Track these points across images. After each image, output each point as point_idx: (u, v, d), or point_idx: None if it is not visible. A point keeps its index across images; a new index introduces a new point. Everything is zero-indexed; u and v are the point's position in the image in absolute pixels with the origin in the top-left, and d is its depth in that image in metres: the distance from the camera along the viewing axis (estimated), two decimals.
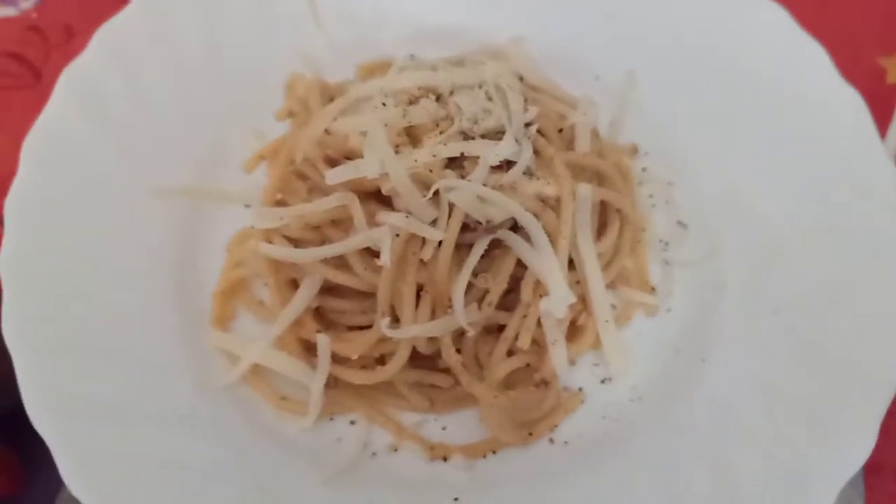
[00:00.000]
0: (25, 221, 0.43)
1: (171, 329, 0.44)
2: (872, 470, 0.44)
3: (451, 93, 0.44)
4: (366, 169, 0.40)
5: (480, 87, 0.44)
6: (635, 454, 0.41)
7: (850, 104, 0.47)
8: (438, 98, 0.44)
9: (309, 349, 0.44)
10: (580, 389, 0.44)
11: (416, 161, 0.40)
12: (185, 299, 0.46)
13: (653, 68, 0.52)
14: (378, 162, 0.40)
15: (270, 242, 0.44)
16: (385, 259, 0.39)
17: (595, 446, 0.42)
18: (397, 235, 0.40)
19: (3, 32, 0.60)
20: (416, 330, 0.40)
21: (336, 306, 0.44)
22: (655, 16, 0.53)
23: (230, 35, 0.53)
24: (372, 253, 0.41)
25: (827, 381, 0.40)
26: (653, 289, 0.47)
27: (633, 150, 0.52)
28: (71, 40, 0.59)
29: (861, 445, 0.37)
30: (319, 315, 0.44)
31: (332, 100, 0.46)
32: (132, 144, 0.48)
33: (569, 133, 0.47)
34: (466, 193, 0.40)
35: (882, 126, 0.51)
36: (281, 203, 0.45)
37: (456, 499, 0.40)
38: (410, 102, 0.43)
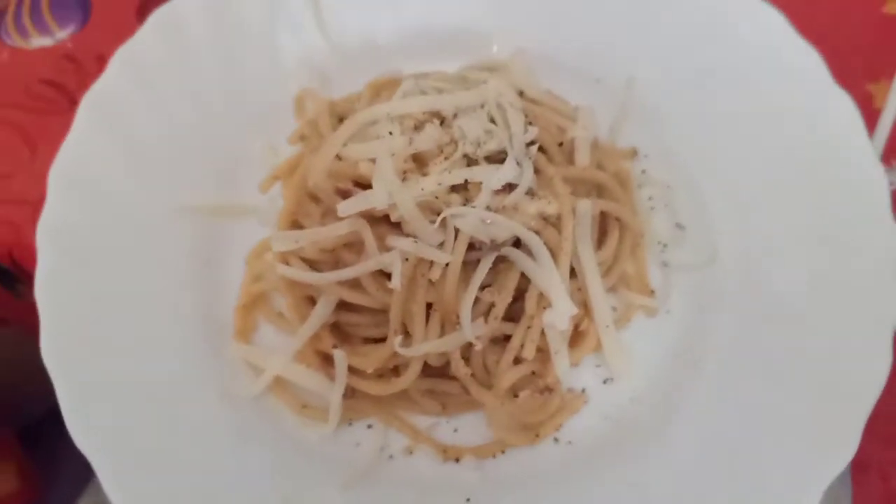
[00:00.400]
0: (57, 246, 0.45)
1: (196, 342, 0.47)
2: (859, 468, 0.46)
3: (455, 115, 0.46)
4: (375, 200, 0.42)
5: (483, 106, 0.46)
6: (636, 452, 0.44)
7: (844, 110, 0.48)
8: (442, 122, 0.46)
9: (327, 360, 0.47)
10: (583, 390, 0.47)
11: (422, 189, 0.42)
12: (208, 311, 0.49)
13: (653, 72, 0.54)
14: (386, 193, 0.42)
15: (287, 263, 0.46)
16: (396, 283, 0.42)
17: (598, 445, 0.45)
18: (407, 259, 0.43)
19: (39, 61, 0.63)
20: (427, 347, 0.43)
21: (351, 320, 0.47)
22: (656, 21, 0.54)
23: (242, 51, 0.55)
24: (384, 274, 0.44)
25: (816, 383, 0.42)
26: (652, 291, 0.50)
27: (633, 154, 0.54)
28: (103, 69, 0.62)
29: (846, 445, 0.40)
30: (336, 328, 0.47)
31: (341, 120, 0.49)
32: (152, 163, 0.50)
33: (569, 146, 0.49)
34: (471, 219, 0.42)
35: None
36: (296, 225, 0.48)
37: (468, 499, 0.43)
38: (416, 127, 0.45)
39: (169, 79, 0.52)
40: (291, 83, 0.55)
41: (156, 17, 0.53)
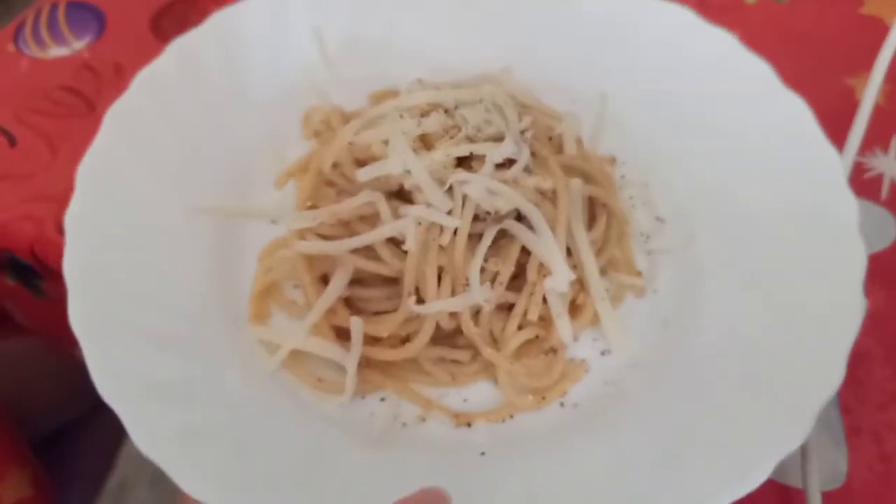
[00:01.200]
0: (84, 236, 0.48)
1: (217, 328, 0.49)
2: (852, 433, 0.48)
3: (456, 107, 0.51)
4: (391, 167, 0.46)
5: (480, 102, 0.51)
6: (635, 412, 0.46)
7: (794, 111, 0.54)
8: (446, 112, 0.50)
9: (340, 335, 0.49)
10: (583, 360, 0.50)
11: (432, 160, 0.47)
12: (225, 301, 0.51)
13: (624, 90, 0.60)
14: (401, 161, 0.46)
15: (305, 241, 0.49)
16: (410, 244, 0.46)
17: (600, 407, 0.47)
18: (419, 224, 0.46)
19: (58, 69, 0.66)
20: (439, 306, 0.46)
21: (364, 295, 0.50)
22: (624, 47, 0.61)
23: (251, 75, 0.59)
24: (396, 243, 0.47)
25: (793, 338, 0.46)
26: (640, 273, 0.53)
27: (612, 160, 0.59)
28: (120, 76, 0.65)
29: (832, 375, 0.43)
30: (349, 304, 0.50)
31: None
32: (169, 171, 0.54)
33: (557, 140, 0.55)
34: (477, 186, 0.46)
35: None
36: (312, 208, 0.51)
37: (483, 453, 0.45)
38: (422, 115, 0.50)
39: (184, 98, 0.56)
40: (297, 104, 0.59)
41: (173, 46, 0.58)
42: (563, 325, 0.48)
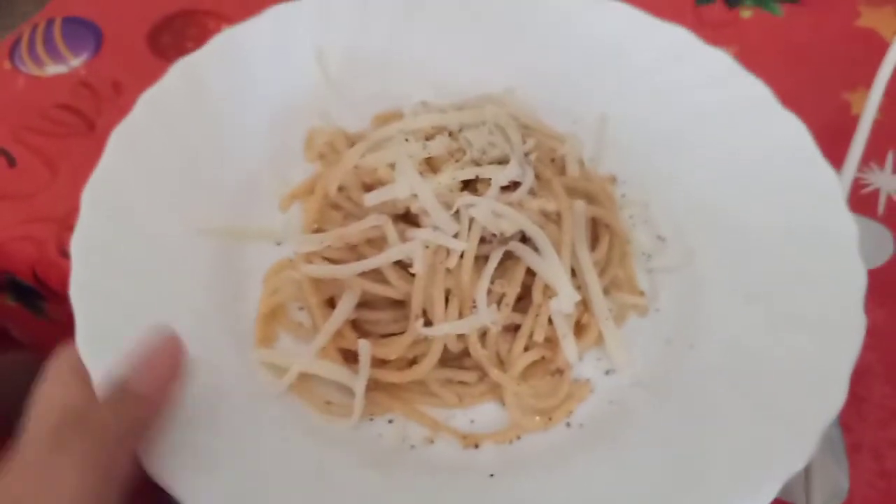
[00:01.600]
0: (90, 259, 0.48)
1: (222, 350, 0.49)
2: (853, 450, 0.49)
3: (461, 130, 0.51)
4: (398, 191, 0.47)
5: (484, 124, 0.51)
6: (640, 432, 0.46)
7: (790, 129, 0.55)
8: (450, 135, 0.51)
9: (348, 358, 0.49)
10: (588, 380, 0.50)
11: (439, 184, 0.47)
12: (230, 323, 0.51)
13: (623, 111, 0.61)
14: (408, 185, 0.47)
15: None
16: (418, 267, 0.46)
17: (605, 427, 0.48)
18: (426, 248, 0.47)
19: (56, 87, 0.66)
20: (447, 328, 0.46)
21: (371, 317, 0.50)
22: (623, 68, 0.62)
23: (255, 95, 0.60)
24: (403, 266, 0.48)
25: (793, 349, 0.46)
26: (642, 293, 0.54)
27: (612, 180, 0.60)
28: (120, 94, 0.65)
29: (836, 393, 0.43)
30: (356, 326, 0.50)
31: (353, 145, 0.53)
32: (174, 191, 0.54)
33: (560, 162, 0.55)
34: (484, 208, 0.47)
35: (845, 153, 0.58)
36: (319, 231, 0.51)
37: (491, 475, 0.45)
38: (427, 139, 0.50)
39: (188, 119, 0.57)
40: (301, 124, 0.60)
41: (177, 67, 0.58)
42: (568, 346, 0.49)
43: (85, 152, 0.53)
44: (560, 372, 0.50)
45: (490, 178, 0.48)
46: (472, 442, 0.48)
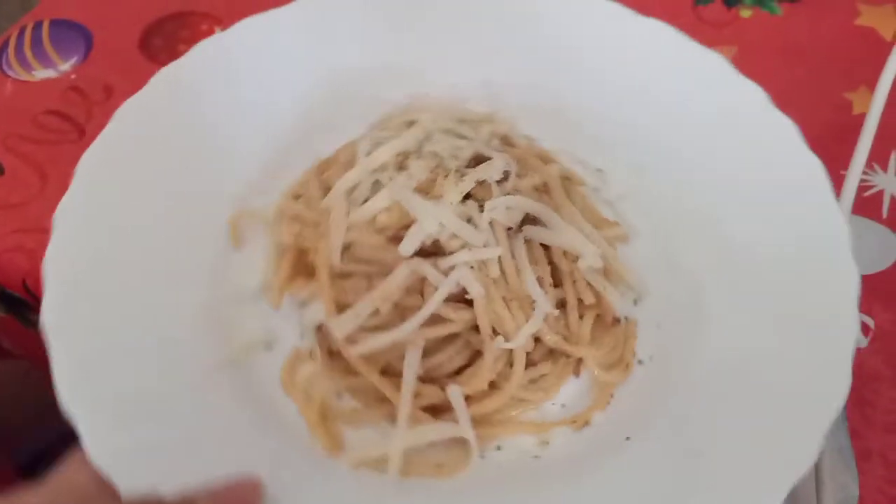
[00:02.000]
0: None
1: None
2: (862, 456, 0.48)
3: (420, 147, 0.50)
4: (428, 227, 0.45)
5: (427, 134, 0.50)
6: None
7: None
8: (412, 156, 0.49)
9: (432, 411, 0.47)
10: (626, 317, 0.52)
11: (451, 203, 0.46)
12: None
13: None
14: (433, 218, 0.45)
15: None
16: (477, 290, 0.45)
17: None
18: (472, 267, 0.45)
19: (45, 92, 0.65)
20: (526, 331, 0.46)
21: (433, 362, 0.47)
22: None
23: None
24: (453, 298, 0.46)
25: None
26: (614, 222, 0.55)
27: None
28: (110, 98, 0.64)
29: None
30: (423, 380, 0.47)
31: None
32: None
33: (507, 140, 0.54)
34: (500, 207, 0.47)
35: (847, 153, 0.57)
36: (342, 307, 0.47)
37: (628, 438, 0.46)
38: (400, 169, 0.48)
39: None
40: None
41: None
42: (612, 295, 0.50)
43: (75, 160, 0.50)
44: (616, 321, 0.51)
45: (485, 179, 0.48)
46: (582, 421, 0.48)
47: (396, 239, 0.46)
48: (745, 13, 0.72)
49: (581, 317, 0.50)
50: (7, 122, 0.62)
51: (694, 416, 0.46)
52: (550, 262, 0.50)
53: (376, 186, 0.47)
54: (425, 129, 0.50)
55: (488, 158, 0.49)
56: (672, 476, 0.43)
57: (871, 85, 0.62)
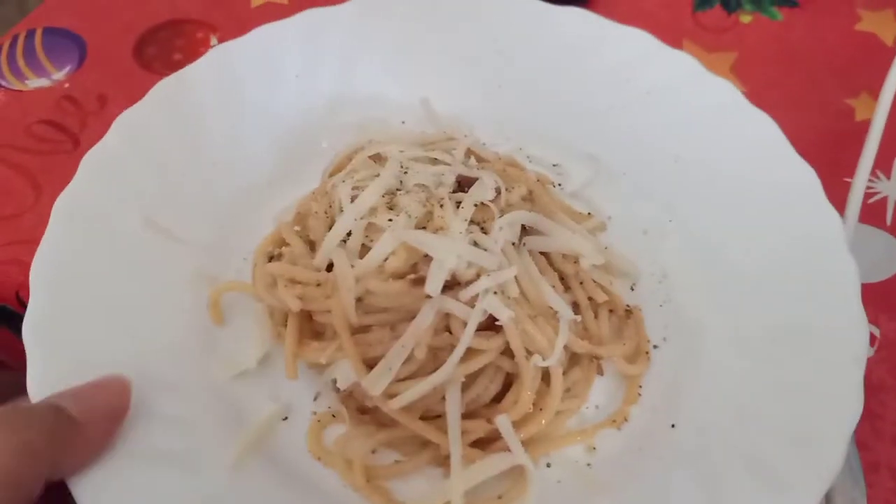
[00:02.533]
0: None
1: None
2: (870, 469, 0.48)
3: (400, 183, 0.48)
4: (448, 262, 0.43)
5: (402, 167, 0.48)
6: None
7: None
8: (399, 191, 0.47)
9: (481, 444, 0.46)
10: (630, 305, 0.52)
11: (460, 233, 0.45)
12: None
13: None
14: (448, 252, 0.44)
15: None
16: (508, 314, 0.44)
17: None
18: (494, 293, 0.44)
19: (38, 102, 0.64)
20: (559, 344, 0.45)
21: (472, 395, 0.46)
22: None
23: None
24: (480, 327, 0.44)
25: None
26: (588, 214, 0.56)
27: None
28: (105, 107, 0.63)
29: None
30: (465, 416, 0.46)
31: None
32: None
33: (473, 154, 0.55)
34: (507, 227, 0.46)
35: (849, 160, 0.56)
36: (370, 362, 0.45)
37: (672, 425, 0.46)
38: (390, 208, 0.46)
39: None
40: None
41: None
42: (618, 289, 0.51)
43: (70, 171, 0.49)
44: (629, 312, 0.52)
45: (481, 201, 0.47)
46: (622, 417, 0.48)
47: (410, 281, 0.44)
48: (746, 18, 0.71)
49: (595, 315, 0.50)
50: (0, 132, 0.61)
51: (727, 388, 0.46)
52: (553, 268, 0.50)
53: (370, 231, 0.46)
54: (399, 162, 0.49)
55: (471, 178, 0.48)
56: (684, 494, 0.42)
57: (873, 90, 0.62)
